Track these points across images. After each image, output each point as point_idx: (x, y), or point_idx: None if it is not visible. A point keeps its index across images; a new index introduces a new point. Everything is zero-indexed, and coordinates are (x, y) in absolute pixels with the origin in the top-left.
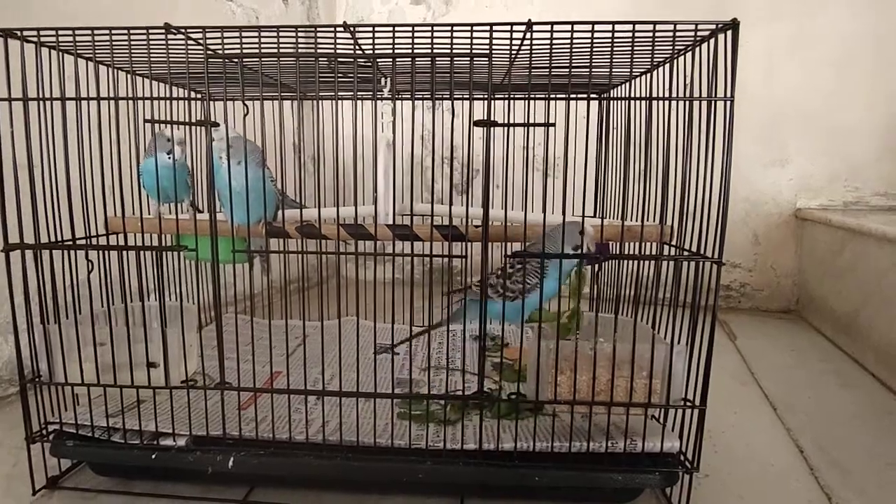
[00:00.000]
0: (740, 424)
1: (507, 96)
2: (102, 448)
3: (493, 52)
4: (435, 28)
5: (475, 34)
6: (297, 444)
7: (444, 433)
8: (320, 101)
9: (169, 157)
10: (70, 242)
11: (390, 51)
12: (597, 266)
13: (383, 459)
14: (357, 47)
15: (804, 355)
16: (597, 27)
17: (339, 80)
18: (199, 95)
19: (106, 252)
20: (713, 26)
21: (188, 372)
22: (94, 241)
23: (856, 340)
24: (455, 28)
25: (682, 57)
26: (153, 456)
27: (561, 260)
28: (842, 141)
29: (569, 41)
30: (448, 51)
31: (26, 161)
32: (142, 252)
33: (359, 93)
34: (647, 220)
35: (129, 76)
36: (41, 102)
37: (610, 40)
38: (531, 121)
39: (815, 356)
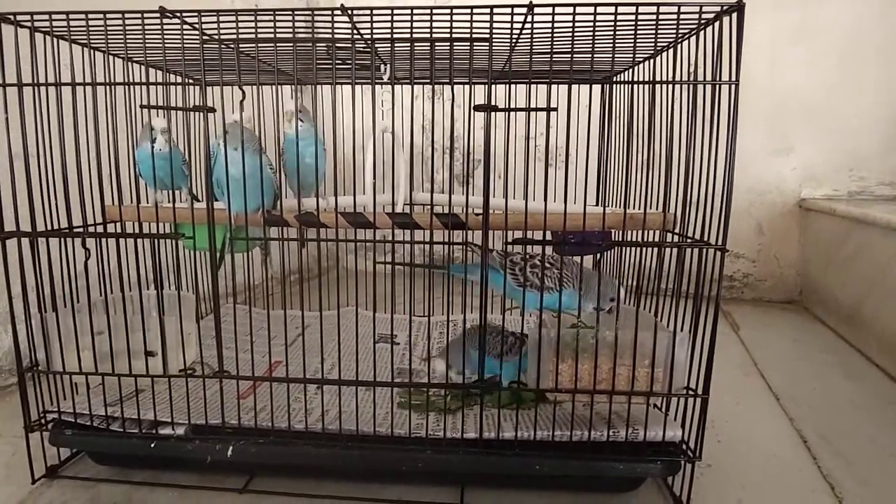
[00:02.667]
0: (743, 415)
1: (507, 81)
2: (101, 437)
3: (494, 35)
4: (434, 11)
5: (476, 17)
6: (297, 433)
7: (445, 422)
8: (319, 87)
9: (155, 147)
10: (67, 230)
11: (388, 35)
12: (599, 255)
13: (383, 448)
14: (355, 31)
15: (807, 346)
16: (599, 9)
17: (338, 66)
18: (195, 81)
19: (103, 240)
20: (718, 8)
21: (187, 361)
22: (91, 229)
23: (860, 331)
24: (455, 11)
25: (686, 42)
26: (152, 445)
27: (580, 299)
28: (847, 130)
29: (571, 24)
30: (447, 35)
31: (21, 147)
32: (139, 240)
33: (358, 79)
34: (650, 208)
35: (124, 61)
36: (35, 88)
37: (612, 23)
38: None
39: (818, 347)
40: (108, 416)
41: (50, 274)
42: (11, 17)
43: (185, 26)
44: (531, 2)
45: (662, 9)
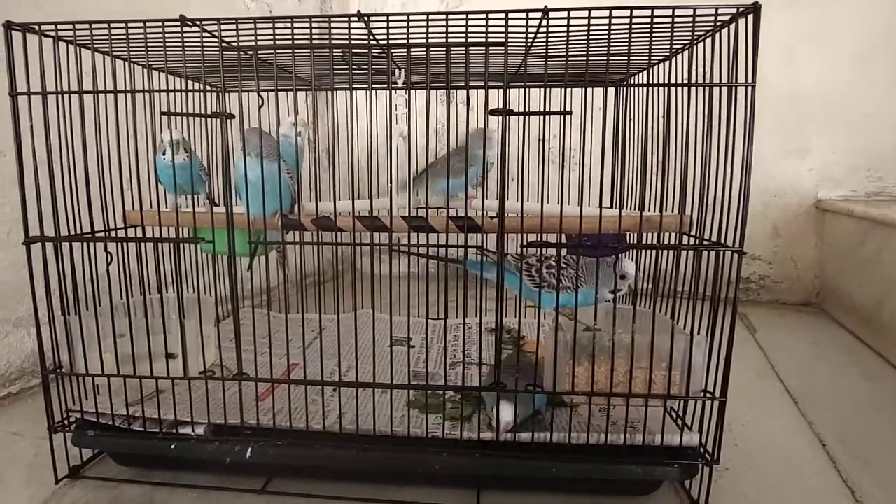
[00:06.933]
0: (760, 418)
1: (523, 85)
2: (123, 438)
3: (509, 40)
4: (449, 16)
5: (491, 21)
6: (314, 435)
7: (461, 424)
8: (335, 93)
9: (165, 158)
10: (89, 235)
11: (405, 41)
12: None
13: (400, 450)
14: (371, 37)
15: (825, 348)
16: (615, 12)
17: (354, 71)
18: (214, 88)
19: (124, 244)
20: (734, 10)
21: (206, 363)
22: (112, 233)
23: (878, 333)
24: (470, 16)
25: (702, 44)
26: (172, 446)
27: (597, 290)
28: (864, 130)
29: (586, 27)
30: (463, 40)
31: (45, 154)
32: (159, 244)
33: (373, 84)
34: (666, 210)
35: (145, 69)
36: (59, 96)
37: (628, 26)
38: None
39: (836, 349)
40: (130, 415)
41: (73, 277)
42: (36, 27)
43: (205, 34)
44: (546, 6)
45: (678, 11)
